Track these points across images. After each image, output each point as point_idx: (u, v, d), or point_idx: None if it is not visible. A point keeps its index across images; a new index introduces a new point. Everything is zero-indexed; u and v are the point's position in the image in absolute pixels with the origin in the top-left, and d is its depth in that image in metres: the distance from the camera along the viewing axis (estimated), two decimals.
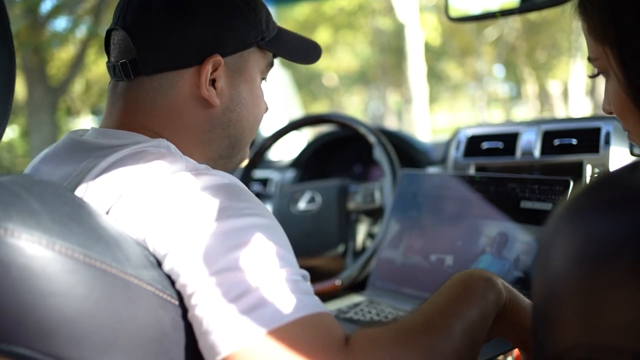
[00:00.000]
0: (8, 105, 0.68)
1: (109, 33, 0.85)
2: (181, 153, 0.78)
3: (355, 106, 18.94)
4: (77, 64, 8.42)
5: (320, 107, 16.24)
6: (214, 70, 0.81)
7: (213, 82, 0.82)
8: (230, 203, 0.68)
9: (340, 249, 1.49)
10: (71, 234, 0.59)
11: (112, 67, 0.83)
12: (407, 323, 0.66)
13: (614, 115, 0.74)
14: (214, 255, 0.64)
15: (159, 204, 0.67)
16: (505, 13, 1.31)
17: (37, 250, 0.56)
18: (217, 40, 0.80)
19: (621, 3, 0.65)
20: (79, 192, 0.72)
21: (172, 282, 0.66)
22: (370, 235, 1.55)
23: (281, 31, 0.91)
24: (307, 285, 0.67)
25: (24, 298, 0.56)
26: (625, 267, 0.42)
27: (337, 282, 1.37)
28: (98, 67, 11.91)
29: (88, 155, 0.77)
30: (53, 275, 0.57)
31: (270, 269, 0.64)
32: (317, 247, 1.48)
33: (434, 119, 16.02)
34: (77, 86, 11.42)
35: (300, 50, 0.94)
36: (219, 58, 0.80)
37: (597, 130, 1.36)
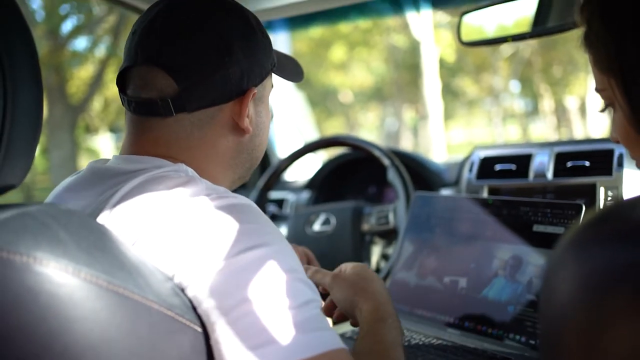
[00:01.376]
0: (37, 131, 0.70)
1: (128, 69, 0.83)
2: (199, 176, 0.80)
3: (370, 123, 18.95)
4: (96, 83, 8.57)
5: (335, 124, 16.29)
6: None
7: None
8: (250, 230, 0.71)
9: None
10: (96, 262, 0.62)
11: (144, 104, 0.81)
12: None
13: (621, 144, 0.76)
14: (234, 287, 0.66)
15: (180, 233, 0.70)
16: (517, 38, 1.33)
17: (64, 278, 0.59)
18: (250, 72, 0.83)
19: (626, 36, 0.67)
20: (102, 219, 0.74)
21: (192, 307, 0.69)
22: (384, 256, 1.56)
23: (275, 53, 0.93)
24: (324, 320, 0.70)
25: (52, 323, 0.58)
26: (626, 298, 0.44)
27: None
28: (116, 86, 12.07)
29: (111, 182, 0.79)
30: (79, 301, 0.59)
31: (288, 304, 0.67)
32: (331, 268, 1.49)
33: (449, 135, 15.99)
34: (96, 104, 11.57)
35: (293, 69, 0.98)
36: (255, 90, 0.84)
37: (610, 153, 1.37)
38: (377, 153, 1.51)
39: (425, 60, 11.06)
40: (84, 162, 11.58)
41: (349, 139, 1.59)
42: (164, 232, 0.70)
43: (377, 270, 1.54)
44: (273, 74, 0.93)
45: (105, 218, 0.74)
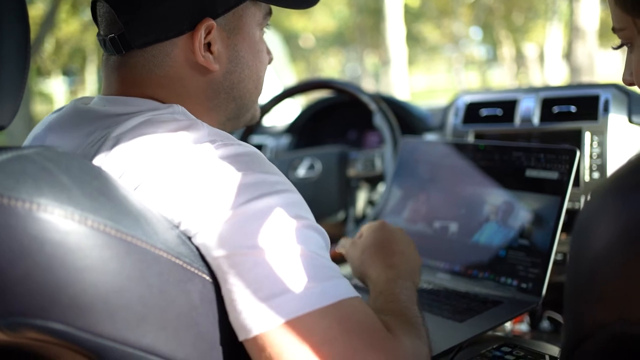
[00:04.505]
0: (25, 71, 0.66)
1: (94, 4, 0.80)
2: (196, 119, 0.76)
3: (331, 68, 18.80)
4: (47, 23, 8.16)
5: (296, 69, 16.09)
6: (208, 34, 0.77)
7: (209, 46, 0.78)
8: (262, 177, 0.68)
9: (341, 215, 1.49)
10: (102, 209, 0.58)
11: (102, 41, 0.79)
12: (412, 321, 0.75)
13: (635, 85, 0.75)
14: (244, 236, 0.64)
15: (187, 180, 0.66)
16: None
17: (70, 226, 0.55)
18: (205, 3, 0.76)
19: None
20: (96, 163, 0.70)
21: (200, 255, 0.66)
22: (370, 202, 1.56)
23: None
24: (337, 268, 0.68)
25: (59, 273, 0.55)
26: None
27: (338, 249, 1.38)
28: (69, 26, 11.58)
29: (99, 124, 0.75)
30: (87, 250, 0.56)
31: (300, 252, 0.65)
32: (317, 214, 1.47)
33: (411, 81, 16.02)
34: (48, 46, 11.10)
35: None
36: (210, 21, 0.76)
37: (596, 98, 1.37)
38: (364, 98, 1.47)
39: (388, 4, 10.91)
40: (37, 107, 11.19)
41: (335, 83, 1.55)
42: (169, 177, 0.67)
43: (363, 216, 1.53)
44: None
45: (99, 161, 0.70)
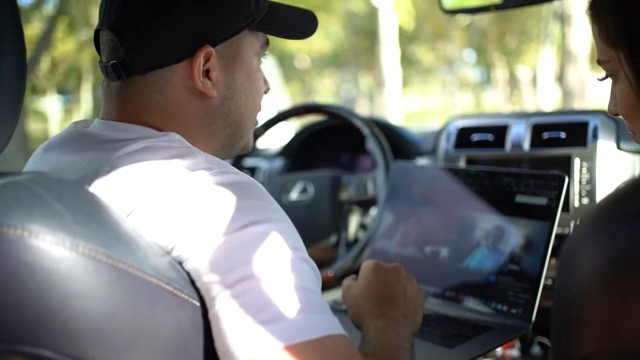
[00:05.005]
0: (20, 94, 0.66)
1: (97, 33, 0.83)
2: (193, 146, 0.77)
3: (326, 89, 18.92)
4: (44, 42, 8.20)
5: (292, 90, 16.18)
6: (206, 61, 0.79)
7: (207, 73, 0.79)
8: (257, 205, 0.68)
9: (333, 239, 1.49)
10: (94, 235, 0.59)
11: (104, 68, 0.81)
12: None
13: (620, 116, 0.76)
14: (236, 262, 0.64)
15: (181, 205, 0.67)
16: (500, 7, 1.32)
17: (61, 252, 0.56)
18: (205, 30, 0.78)
19: (636, 8, 0.67)
20: (92, 188, 0.71)
21: (190, 281, 0.66)
22: (362, 226, 1.56)
23: (272, 7, 0.86)
24: (326, 305, 0.68)
25: (49, 300, 0.55)
26: None
27: (330, 272, 1.38)
28: (65, 45, 11.63)
29: (96, 148, 0.76)
30: (77, 277, 0.56)
31: (293, 283, 0.65)
32: (309, 237, 1.49)
33: (405, 103, 16.12)
34: (43, 64, 11.12)
35: (295, 25, 0.90)
36: (209, 49, 0.78)
37: (585, 125, 1.39)
38: (356, 122, 1.49)
39: (383, 27, 11.02)
40: (31, 126, 11.18)
41: (328, 107, 1.56)
42: (163, 203, 0.67)
43: (355, 239, 1.54)
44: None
45: (95, 187, 0.70)
